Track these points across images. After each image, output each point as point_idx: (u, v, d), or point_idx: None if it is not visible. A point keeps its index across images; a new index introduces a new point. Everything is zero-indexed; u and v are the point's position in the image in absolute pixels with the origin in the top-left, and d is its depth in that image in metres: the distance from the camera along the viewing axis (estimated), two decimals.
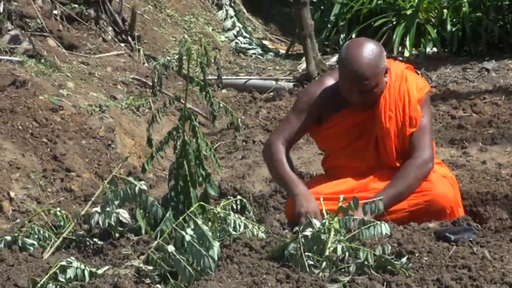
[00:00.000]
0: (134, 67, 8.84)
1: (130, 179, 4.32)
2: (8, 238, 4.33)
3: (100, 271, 3.76)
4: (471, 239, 4.04)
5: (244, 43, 11.18)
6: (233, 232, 4.02)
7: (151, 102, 8.06)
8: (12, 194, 5.94)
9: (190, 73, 4.34)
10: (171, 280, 3.62)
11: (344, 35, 10.35)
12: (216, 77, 4.54)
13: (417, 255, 3.81)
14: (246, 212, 4.45)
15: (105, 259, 4.04)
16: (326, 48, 10.39)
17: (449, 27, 9.85)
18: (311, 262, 3.73)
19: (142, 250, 3.97)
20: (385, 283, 3.59)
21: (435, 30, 9.91)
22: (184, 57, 4.21)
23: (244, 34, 11.41)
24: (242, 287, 3.58)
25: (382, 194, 4.54)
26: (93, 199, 4.46)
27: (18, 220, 5.66)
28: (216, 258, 3.70)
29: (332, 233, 3.81)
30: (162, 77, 4.37)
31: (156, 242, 3.84)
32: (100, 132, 7.03)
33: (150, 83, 7.93)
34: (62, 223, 4.46)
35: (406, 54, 9.71)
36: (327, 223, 3.85)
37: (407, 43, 9.76)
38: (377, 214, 4.18)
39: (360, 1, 10.31)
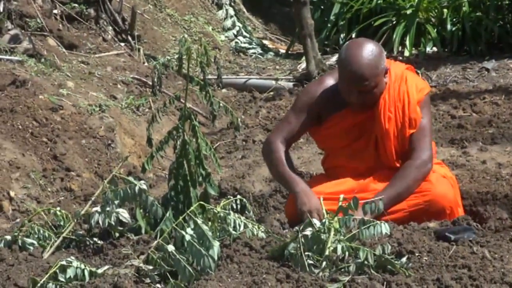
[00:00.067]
0: (134, 67, 8.84)
1: (130, 178, 4.32)
2: (8, 237, 4.33)
3: (100, 271, 3.76)
4: (471, 238, 4.04)
5: (244, 43, 11.18)
6: (233, 232, 4.03)
7: (151, 101, 8.06)
8: (12, 193, 5.94)
9: (190, 73, 4.34)
10: (171, 279, 3.62)
11: (344, 34, 10.35)
12: (216, 77, 4.54)
13: (417, 254, 3.82)
14: (246, 212, 4.45)
15: (105, 258, 4.04)
16: (326, 47, 10.39)
17: (449, 26, 9.85)
18: (311, 262, 3.73)
19: (142, 250, 3.97)
20: (385, 283, 3.59)
21: (435, 30, 9.91)
22: (184, 57, 4.21)
23: (244, 33, 11.41)
24: (242, 287, 3.58)
25: (381, 195, 4.54)
26: (93, 198, 4.46)
27: (18, 220, 5.66)
28: (216, 257, 3.70)
29: (332, 232, 3.81)
30: (162, 76, 4.37)
31: (156, 241, 3.84)
32: (100, 131, 7.03)
33: (150, 83, 7.93)
34: (62, 223, 4.46)
35: (406, 53, 9.71)
36: (327, 223, 3.85)
37: (407, 42, 9.76)
38: (377, 214, 4.18)
39: (360, 1, 10.30)
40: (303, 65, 9.51)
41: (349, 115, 4.79)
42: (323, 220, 3.89)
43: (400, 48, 9.84)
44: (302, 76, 9.30)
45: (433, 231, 4.20)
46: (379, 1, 10.24)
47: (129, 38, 9.58)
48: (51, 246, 4.23)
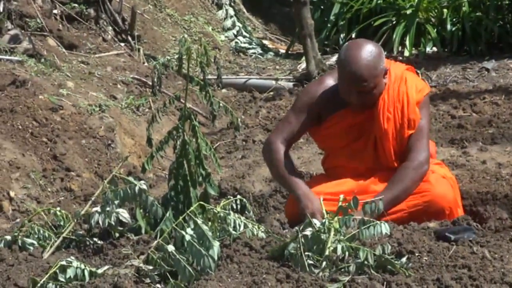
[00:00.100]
0: (134, 67, 8.84)
1: (130, 178, 4.32)
2: (8, 237, 4.33)
3: (100, 271, 3.76)
4: (471, 238, 4.04)
5: (244, 43, 11.18)
6: (233, 232, 4.02)
7: (151, 101, 8.06)
8: (12, 193, 5.94)
9: (190, 73, 4.34)
10: (171, 279, 3.62)
11: (344, 34, 10.35)
12: (216, 77, 4.54)
13: (417, 254, 3.81)
14: (246, 212, 4.45)
15: (105, 258, 4.04)
16: (326, 47, 10.39)
17: (449, 26, 9.85)
18: (311, 262, 3.73)
19: (142, 250, 3.97)
20: (385, 283, 3.59)
21: (435, 30, 9.91)
22: (184, 57, 4.21)
23: (244, 33, 11.41)
24: (242, 287, 3.58)
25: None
26: (93, 198, 4.46)
27: (18, 220, 5.66)
28: (216, 257, 3.70)
29: (332, 232, 3.81)
30: (162, 76, 4.37)
31: (156, 241, 3.84)
32: (100, 131, 7.03)
33: (150, 83, 7.94)
34: (62, 223, 4.46)
35: (406, 53, 9.71)
36: (327, 223, 3.85)
37: (407, 42, 9.76)
38: (377, 215, 4.17)
39: (360, 1, 10.31)
40: (303, 65, 9.51)
41: (349, 115, 4.79)
42: (323, 220, 3.90)
43: (400, 48, 9.84)
44: (302, 76, 9.30)
45: (433, 231, 4.20)
46: (379, 1, 10.24)
47: (129, 38, 9.58)
48: (51, 246, 4.23)
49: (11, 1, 8.66)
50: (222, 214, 4.09)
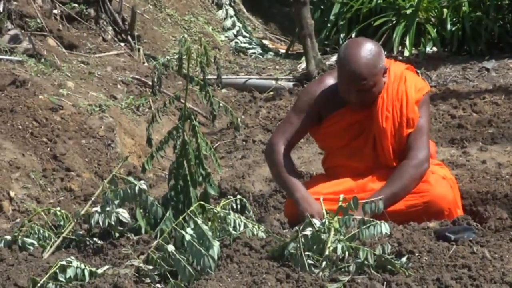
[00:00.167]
0: (134, 67, 8.84)
1: (130, 178, 4.32)
2: (8, 237, 4.33)
3: (100, 271, 3.77)
4: (471, 238, 4.04)
5: (244, 43, 11.18)
6: (233, 232, 4.03)
7: (151, 101, 8.06)
8: (12, 193, 5.94)
9: (190, 73, 4.34)
10: (171, 279, 3.63)
11: (344, 34, 10.35)
12: (216, 77, 4.55)
13: (417, 254, 3.82)
14: (246, 212, 4.45)
15: (105, 258, 4.04)
16: (326, 47, 10.39)
17: (449, 26, 9.85)
18: (311, 262, 3.73)
19: (142, 250, 3.97)
20: (385, 283, 3.59)
21: (435, 30, 9.91)
22: (184, 57, 4.21)
23: (244, 33, 11.41)
24: (242, 287, 3.58)
25: (378, 195, 4.54)
26: (93, 198, 4.46)
27: (18, 220, 5.66)
28: (216, 257, 3.70)
29: (332, 232, 3.81)
30: (162, 76, 4.37)
31: (156, 241, 3.84)
32: (100, 131, 7.03)
33: (150, 83, 7.94)
34: (62, 223, 4.46)
35: (406, 53, 9.71)
36: (327, 223, 3.85)
37: (407, 42, 9.76)
38: (377, 214, 4.17)
39: (360, 1, 10.31)
40: (303, 65, 9.51)
41: (348, 114, 4.80)
42: (323, 220, 3.90)
43: (400, 48, 9.84)
44: (302, 76, 9.30)
45: (433, 231, 4.20)
46: (379, 1, 10.24)
47: (129, 38, 9.58)
48: (51, 246, 4.23)
49: (11, 1, 8.66)
50: (222, 214, 4.09)
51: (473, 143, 6.61)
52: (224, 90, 9.27)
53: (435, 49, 9.90)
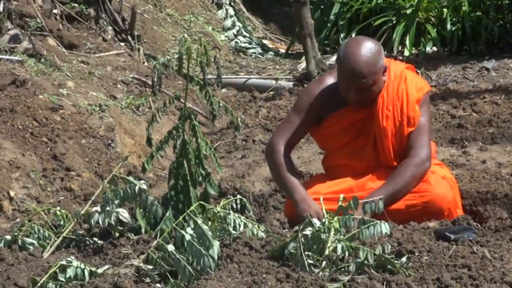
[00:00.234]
0: (134, 67, 8.83)
1: (130, 178, 4.32)
2: (8, 237, 4.33)
3: (100, 271, 3.77)
4: (471, 238, 4.04)
5: (244, 43, 11.17)
6: (233, 232, 4.03)
7: (151, 101, 8.06)
8: (12, 193, 5.94)
9: (190, 73, 4.34)
10: (171, 279, 3.63)
11: (344, 34, 10.35)
12: (216, 77, 4.54)
13: (417, 254, 3.82)
14: (246, 212, 4.45)
15: (105, 258, 4.04)
16: (326, 47, 10.38)
17: (449, 26, 9.84)
18: (311, 262, 3.73)
19: (142, 250, 3.97)
20: (385, 283, 3.59)
21: (435, 29, 9.91)
22: (184, 57, 4.21)
23: (244, 33, 11.41)
24: (242, 287, 3.58)
25: (378, 192, 4.55)
26: (93, 198, 4.46)
27: (18, 220, 5.65)
28: (216, 257, 3.71)
29: (332, 232, 3.81)
30: (162, 76, 4.37)
31: (156, 241, 3.84)
32: (100, 131, 7.03)
33: (150, 83, 7.93)
34: (62, 223, 4.46)
35: (406, 53, 9.71)
36: (327, 223, 3.85)
37: (407, 42, 9.76)
38: (377, 214, 4.17)
39: (360, 0, 10.31)
40: (303, 64, 9.51)
41: (349, 113, 4.80)
42: (323, 220, 3.90)
43: (400, 48, 9.84)
44: (302, 75, 9.30)
45: (433, 230, 4.20)
46: (379, 1, 10.23)
47: (129, 38, 9.58)
48: (51, 246, 4.23)
49: (11, 1, 8.66)
50: (222, 214, 4.09)
51: (473, 143, 6.61)
52: (224, 90, 9.27)
53: (435, 49, 9.90)
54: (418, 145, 4.71)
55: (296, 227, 3.93)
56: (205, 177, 4.38)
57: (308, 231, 3.80)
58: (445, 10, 10.02)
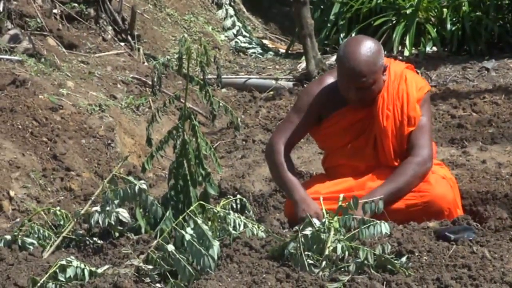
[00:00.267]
0: (134, 66, 8.83)
1: (130, 178, 4.32)
2: (8, 237, 4.33)
3: (100, 270, 3.77)
4: (471, 238, 4.04)
5: (244, 42, 11.17)
6: (233, 232, 4.03)
7: (151, 101, 8.06)
8: (12, 193, 5.94)
9: (190, 72, 4.34)
10: (171, 279, 3.63)
11: (344, 34, 10.35)
12: (215, 76, 4.54)
13: (417, 254, 3.82)
14: (246, 212, 4.45)
15: (105, 258, 4.04)
16: (326, 47, 10.39)
17: (449, 26, 9.84)
18: (311, 262, 3.73)
19: (142, 249, 3.97)
20: (385, 282, 3.59)
21: (435, 29, 9.91)
22: (184, 56, 4.21)
23: (244, 33, 11.41)
24: (242, 286, 3.58)
25: (380, 190, 4.55)
26: (93, 198, 4.46)
27: (18, 219, 5.65)
28: (216, 257, 3.70)
29: (332, 232, 3.81)
30: (162, 76, 4.37)
31: (156, 241, 3.84)
32: (100, 131, 7.03)
33: (150, 82, 7.93)
34: (62, 222, 4.46)
35: (406, 53, 9.71)
36: (326, 223, 3.85)
37: (407, 42, 9.76)
38: (377, 213, 4.17)
39: (360, 0, 10.31)
40: (303, 64, 9.51)
41: (349, 113, 4.80)
42: (323, 220, 3.90)
43: (400, 48, 9.84)
44: (302, 75, 9.30)
45: (433, 230, 4.20)
46: (379, 1, 10.23)
47: (129, 37, 9.58)
48: (51, 246, 4.23)
49: (11, 0, 8.66)
50: (222, 214, 4.09)
51: (473, 143, 6.61)
52: (224, 90, 9.27)
53: (435, 49, 9.90)
54: (420, 145, 4.71)
55: (296, 227, 3.93)
56: (205, 177, 4.38)
57: (308, 231, 3.80)
58: (445, 10, 10.02)
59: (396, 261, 3.69)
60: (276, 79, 9.35)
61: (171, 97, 4.38)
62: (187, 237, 3.71)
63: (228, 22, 11.46)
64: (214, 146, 6.86)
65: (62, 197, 6.20)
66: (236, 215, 4.13)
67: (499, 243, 4.04)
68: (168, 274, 3.69)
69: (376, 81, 4.67)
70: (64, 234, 4.28)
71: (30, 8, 8.81)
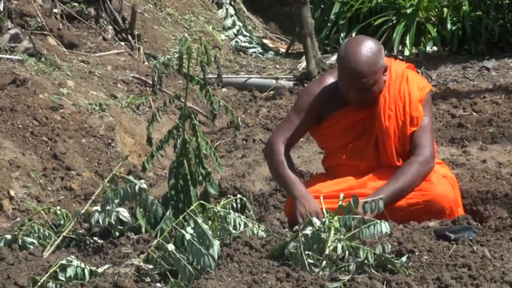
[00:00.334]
0: (134, 66, 8.83)
1: (130, 177, 4.32)
2: (8, 236, 4.33)
3: (100, 270, 3.77)
4: (471, 238, 4.04)
5: (244, 42, 11.17)
6: (233, 231, 4.03)
7: (151, 100, 8.06)
8: (12, 192, 5.94)
9: (190, 72, 4.34)
10: (171, 279, 3.63)
11: (344, 34, 10.35)
12: (216, 76, 4.54)
13: (417, 254, 3.82)
14: (246, 211, 4.45)
15: (105, 257, 4.04)
16: (326, 47, 10.39)
17: (449, 26, 9.85)
18: (311, 261, 3.73)
19: (142, 249, 3.97)
20: (385, 282, 3.59)
21: (435, 29, 9.91)
22: (184, 56, 4.21)
23: (244, 32, 11.41)
24: (242, 286, 3.58)
25: (384, 189, 4.55)
26: (93, 197, 4.46)
27: (18, 219, 5.65)
28: (216, 257, 3.71)
29: (332, 232, 3.81)
30: (162, 75, 4.37)
31: (156, 241, 3.84)
32: (100, 130, 7.03)
33: (150, 82, 7.93)
34: (62, 222, 4.46)
35: (406, 53, 9.71)
36: (327, 222, 3.85)
37: (407, 42, 9.76)
38: (378, 213, 4.17)
39: (360, 0, 10.31)
40: (303, 64, 9.51)
41: (350, 113, 4.79)
42: (323, 219, 3.90)
43: (400, 48, 9.84)
44: (302, 75, 9.30)
45: (433, 230, 4.20)
46: (379, 0, 10.24)
47: (129, 37, 9.58)
48: (51, 245, 4.23)
49: (11, 0, 8.66)
50: (222, 213, 4.09)
51: (473, 143, 6.61)
52: (224, 89, 9.27)
53: (435, 48, 9.90)
54: (423, 144, 4.71)
55: (296, 227, 3.93)
56: (205, 176, 4.38)
57: (308, 231, 3.80)
58: (445, 9, 10.02)
59: (396, 261, 3.69)
60: (277, 79, 9.35)
61: (171, 96, 4.38)
62: (187, 236, 3.71)
63: (229, 22, 11.46)
64: (214, 146, 6.86)
65: (63, 197, 6.20)
66: (236, 214, 4.13)
67: (499, 242, 4.04)
68: (168, 273, 3.69)
69: (376, 82, 4.67)
70: (64, 234, 4.28)
71: (31, 8, 8.82)
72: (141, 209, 4.33)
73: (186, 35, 4.27)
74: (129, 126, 7.48)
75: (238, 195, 4.57)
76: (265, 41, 11.62)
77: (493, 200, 5.34)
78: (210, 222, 4.07)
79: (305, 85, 8.61)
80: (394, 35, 9.82)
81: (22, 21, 8.63)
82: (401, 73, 4.79)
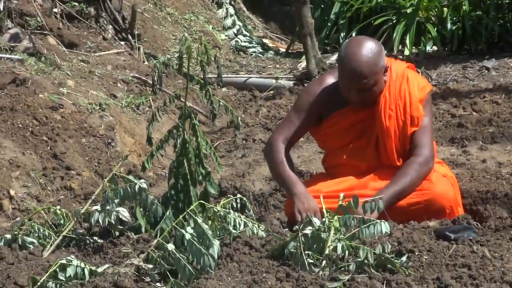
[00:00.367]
0: (134, 66, 8.83)
1: (130, 177, 4.32)
2: (8, 236, 4.33)
3: (100, 270, 3.77)
4: (471, 237, 4.04)
5: (244, 42, 11.17)
6: (233, 231, 4.03)
7: (151, 100, 8.06)
8: (12, 192, 5.94)
9: (190, 72, 4.34)
10: (171, 278, 3.62)
11: (344, 33, 10.35)
12: (216, 76, 4.54)
13: (417, 253, 3.82)
14: (246, 211, 4.45)
15: (105, 257, 4.04)
16: (326, 46, 10.39)
17: (449, 25, 9.85)
18: (311, 261, 3.73)
19: (142, 249, 3.97)
20: (385, 282, 3.59)
21: (435, 29, 9.91)
22: (184, 56, 4.21)
23: (244, 32, 11.41)
24: (242, 286, 3.58)
25: (385, 191, 4.55)
26: (93, 197, 4.46)
27: (18, 219, 5.66)
28: (216, 256, 3.70)
29: (332, 231, 3.81)
30: (162, 75, 4.37)
31: (156, 240, 3.84)
32: (100, 130, 7.03)
33: (150, 82, 7.93)
34: (62, 222, 4.46)
35: (406, 52, 9.71)
36: (327, 222, 3.85)
37: (407, 41, 9.76)
38: (378, 213, 4.17)
39: (360, 0, 10.31)
40: (303, 64, 9.51)
41: (350, 113, 4.79)
42: (323, 219, 3.90)
43: (400, 47, 9.84)
44: (302, 75, 9.30)
45: (433, 230, 4.20)
46: (379, 0, 10.24)
47: (129, 37, 9.58)
48: (51, 245, 4.23)
49: None
50: (222, 213, 4.09)
51: (473, 142, 6.61)
52: (224, 89, 9.27)
53: (435, 48, 9.90)
54: (423, 144, 4.72)
55: (296, 227, 3.93)
56: (205, 176, 4.38)
57: (308, 230, 3.80)
58: (445, 9, 10.02)
59: (396, 261, 3.69)
60: (277, 78, 9.35)
61: (171, 96, 4.38)
62: (187, 236, 3.71)
63: (229, 21, 11.46)
64: (214, 145, 6.87)
65: (62, 196, 6.20)
66: (236, 214, 4.12)
67: (499, 242, 4.04)
68: (168, 273, 3.69)
69: (377, 82, 4.66)
70: (64, 233, 4.28)
71: (30, 7, 8.82)
72: (141, 209, 4.33)
73: (186, 34, 4.27)
74: (129, 126, 7.48)
75: (238, 195, 4.56)
76: (265, 40, 11.62)
77: (493, 200, 5.34)
78: (210, 222, 4.07)
79: (305, 85, 8.61)
80: (394, 35, 9.82)
81: (22, 21, 8.63)
82: (402, 73, 4.79)
